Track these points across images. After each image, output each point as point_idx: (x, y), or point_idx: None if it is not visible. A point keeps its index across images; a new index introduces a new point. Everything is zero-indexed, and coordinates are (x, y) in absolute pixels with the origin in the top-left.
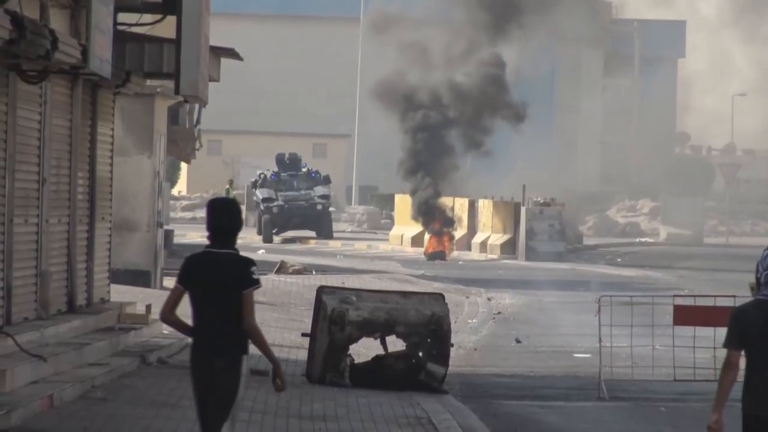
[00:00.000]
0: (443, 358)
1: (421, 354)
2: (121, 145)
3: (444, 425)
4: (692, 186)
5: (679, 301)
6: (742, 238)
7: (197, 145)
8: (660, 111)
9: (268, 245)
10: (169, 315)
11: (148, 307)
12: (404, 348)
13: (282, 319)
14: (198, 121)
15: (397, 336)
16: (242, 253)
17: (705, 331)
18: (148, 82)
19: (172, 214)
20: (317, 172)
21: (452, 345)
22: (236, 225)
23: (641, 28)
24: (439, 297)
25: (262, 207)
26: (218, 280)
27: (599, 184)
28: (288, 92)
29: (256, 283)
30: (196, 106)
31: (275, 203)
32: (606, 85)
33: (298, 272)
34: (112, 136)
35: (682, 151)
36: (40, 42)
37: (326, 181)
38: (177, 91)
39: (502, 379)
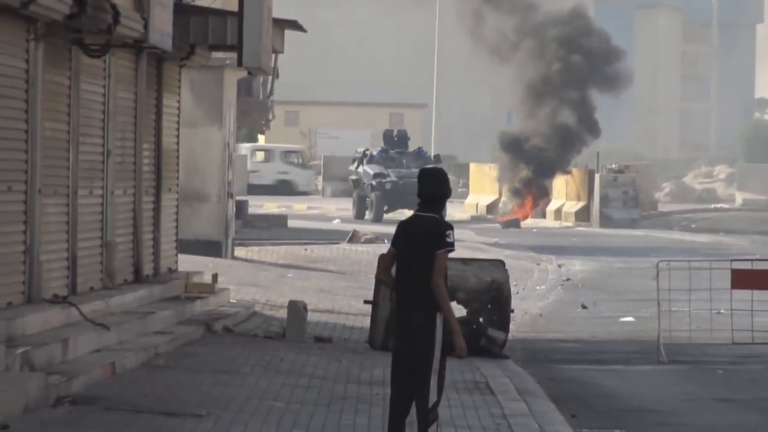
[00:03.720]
0: (503, 324)
1: (481, 320)
2: (191, 117)
3: (501, 389)
4: None
5: (737, 265)
6: None
7: (270, 116)
8: (739, 77)
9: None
10: (383, 274)
11: (215, 276)
12: (465, 314)
13: (350, 287)
14: (271, 93)
15: (458, 302)
16: (340, 222)
17: (763, 295)
18: (216, 54)
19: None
20: (425, 150)
21: (512, 311)
22: (442, 192)
23: None
24: (499, 263)
25: (373, 183)
26: (419, 240)
27: (678, 151)
28: (365, 63)
29: (450, 246)
30: (270, 77)
31: (388, 179)
32: (684, 51)
33: (370, 241)
34: (179, 108)
35: (761, 117)
36: (101, 16)
37: (437, 160)
38: (240, 63)
39: (564, 344)
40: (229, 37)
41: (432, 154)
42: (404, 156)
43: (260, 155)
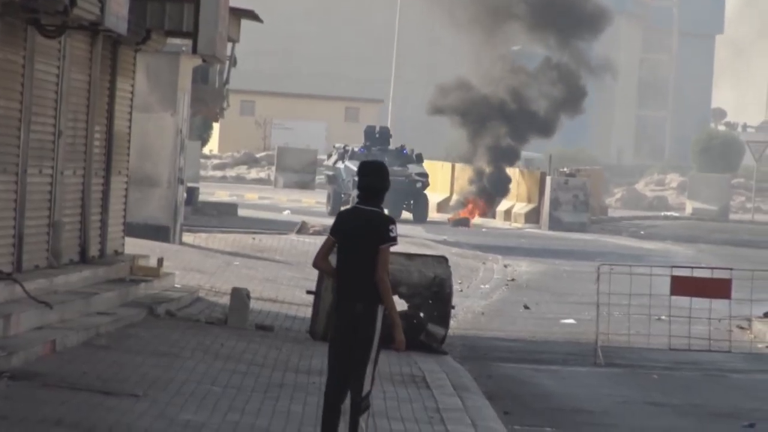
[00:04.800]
0: (444, 320)
1: (422, 315)
2: (145, 102)
3: (437, 383)
4: (721, 162)
5: (677, 272)
6: None
7: (225, 105)
8: (696, 87)
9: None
10: (320, 261)
11: (160, 261)
12: (406, 309)
13: (295, 278)
14: (227, 81)
15: (400, 296)
16: (290, 213)
17: (702, 302)
18: (173, 40)
19: (202, 173)
20: (407, 149)
21: (454, 307)
22: (383, 186)
23: (681, 2)
24: (443, 260)
25: (355, 179)
26: (361, 234)
27: (632, 157)
28: (323, 55)
29: (393, 240)
30: (227, 65)
31: None
32: (643, 58)
33: (318, 233)
34: (132, 92)
35: (716, 127)
36: None
37: (419, 159)
38: (194, 50)
39: (504, 343)
40: (185, 23)
41: (414, 153)
42: (386, 153)
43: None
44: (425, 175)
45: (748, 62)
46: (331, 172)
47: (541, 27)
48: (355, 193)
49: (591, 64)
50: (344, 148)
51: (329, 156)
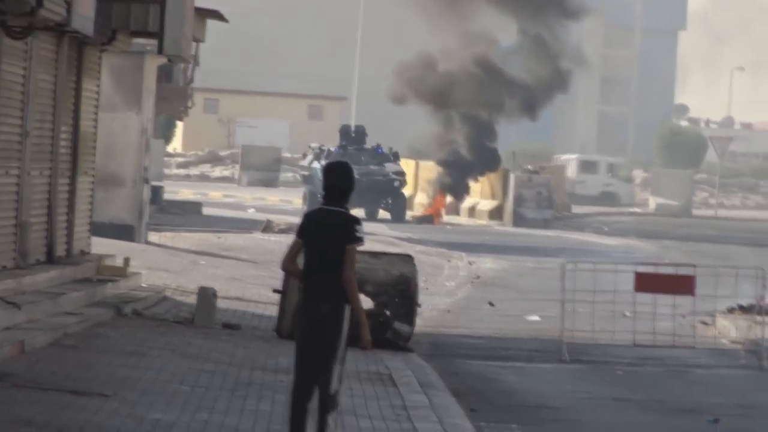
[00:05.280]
0: (410, 318)
1: (388, 313)
2: (110, 102)
3: (403, 381)
4: (684, 158)
5: (641, 269)
6: (731, 211)
7: (189, 104)
8: (659, 83)
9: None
10: (289, 264)
11: (127, 260)
12: (372, 307)
13: (261, 276)
14: (191, 80)
15: (366, 295)
16: (255, 211)
17: (666, 299)
18: (137, 40)
19: (166, 171)
20: (382, 148)
21: (419, 305)
22: (348, 186)
23: None
24: (408, 258)
25: None
26: (327, 234)
27: (595, 153)
28: (287, 54)
29: (359, 240)
30: (191, 64)
31: None
32: (606, 54)
33: (283, 231)
34: (98, 92)
35: (678, 123)
36: None
37: (395, 157)
38: (160, 50)
39: (469, 340)
40: (150, 24)
41: (391, 152)
42: (362, 152)
43: (584, 166)
44: (402, 174)
45: (712, 58)
46: (306, 172)
47: (514, 9)
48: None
49: (568, 48)
50: (320, 147)
51: (304, 156)
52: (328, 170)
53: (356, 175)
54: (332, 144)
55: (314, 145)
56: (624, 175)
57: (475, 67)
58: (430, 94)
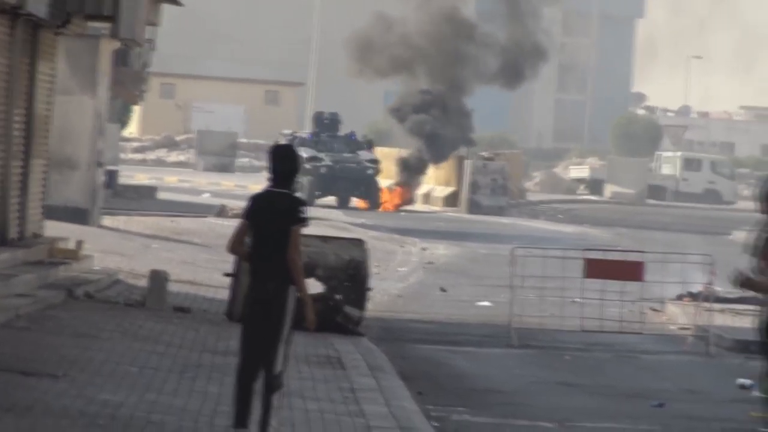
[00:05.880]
0: (360, 302)
1: (338, 297)
2: (65, 85)
3: (352, 364)
4: (640, 146)
5: (590, 255)
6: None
7: (145, 88)
8: (616, 71)
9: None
10: (235, 246)
11: (79, 243)
12: (323, 291)
13: (213, 260)
14: (147, 64)
15: (317, 279)
16: (210, 196)
17: (614, 285)
18: (93, 24)
19: (122, 156)
20: (356, 135)
21: (370, 289)
22: (294, 168)
23: None
24: (359, 242)
25: (306, 166)
26: (273, 216)
27: (552, 141)
28: (243, 38)
29: (304, 222)
30: (147, 49)
31: (323, 163)
32: (564, 42)
33: (237, 216)
34: (53, 76)
35: (635, 112)
36: None
37: (369, 145)
38: (114, 34)
39: (420, 325)
40: (105, 7)
41: (364, 139)
42: (336, 140)
43: (688, 164)
44: (376, 161)
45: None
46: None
47: None
48: (305, 179)
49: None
50: (293, 134)
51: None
52: (273, 153)
53: (329, 163)
54: (306, 131)
55: (287, 132)
56: (727, 173)
57: (443, 25)
58: (391, 62)
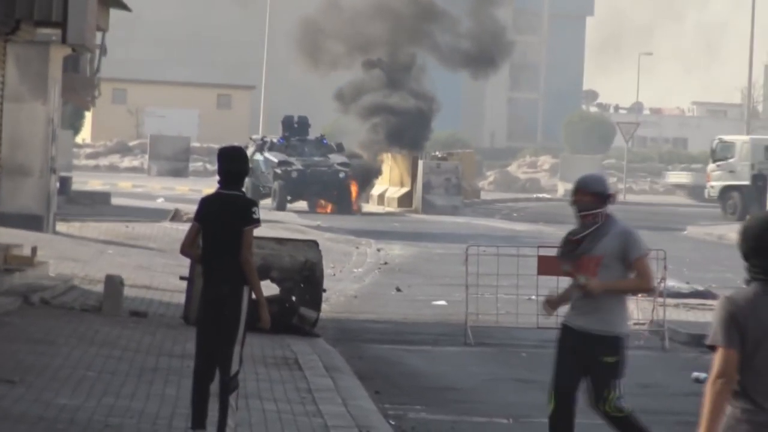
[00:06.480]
0: (316, 303)
1: (294, 298)
2: (15, 92)
3: (309, 365)
4: (593, 143)
5: (543, 252)
6: (640, 196)
7: (96, 93)
8: (567, 68)
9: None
10: (187, 248)
11: (34, 250)
12: (278, 293)
13: (169, 265)
14: (98, 70)
15: (272, 281)
16: (164, 201)
17: (568, 281)
18: (42, 30)
19: (75, 162)
20: (326, 138)
21: (325, 290)
22: (243, 169)
23: None
24: (313, 244)
25: (277, 171)
26: (224, 217)
27: (505, 140)
28: (194, 42)
29: (256, 222)
30: (97, 54)
31: (294, 167)
32: (515, 41)
33: (191, 220)
34: (2, 83)
35: (586, 109)
36: None
37: (340, 149)
38: (64, 40)
39: (376, 325)
40: (54, 13)
41: (335, 143)
42: (306, 144)
43: None
44: (347, 165)
45: (621, 43)
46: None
47: None
48: (276, 184)
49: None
50: (262, 139)
51: (246, 148)
52: (222, 155)
53: (300, 167)
54: (275, 136)
55: (256, 136)
56: None
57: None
58: (345, 46)
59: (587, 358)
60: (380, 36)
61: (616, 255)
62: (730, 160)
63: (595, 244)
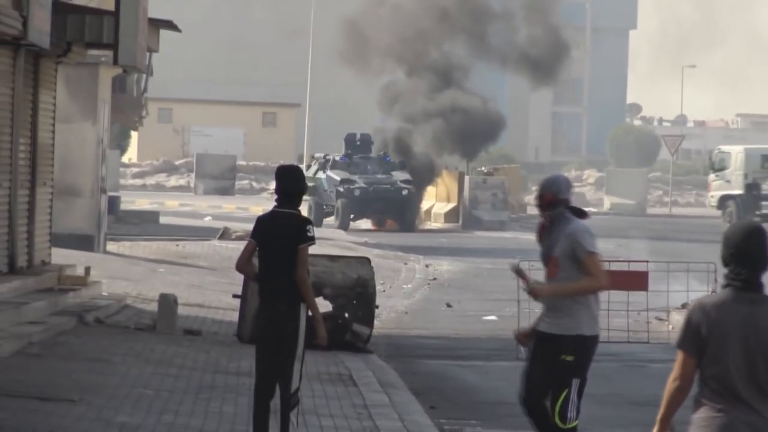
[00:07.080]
0: (368, 319)
1: (347, 315)
2: (65, 113)
3: (364, 381)
4: (638, 157)
5: None
6: (686, 209)
7: (143, 113)
8: (611, 82)
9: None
10: (244, 265)
11: (87, 269)
12: (331, 309)
13: (220, 283)
14: (145, 90)
15: (324, 298)
16: (211, 219)
17: (621, 296)
18: (91, 52)
19: (122, 181)
20: (389, 156)
21: (377, 307)
22: (300, 188)
23: None
24: (365, 260)
25: (340, 189)
26: (280, 235)
27: (550, 154)
28: (239, 61)
29: (311, 240)
30: (144, 74)
31: (357, 185)
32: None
33: (240, 238)
34: (54, 104)
35: (631, 122)
36: None
37: (402, 166)
38: (115, 61)
39: (428, 341)
40: (105, 35)
41: (398, 160)
42: (368, 161)
43: None
44: (410, 182)
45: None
46: (311, 183)
47: None
48: (339, 203)
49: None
50: (325, 157)
51: (308, 167)
52: (279, 174)
53: (363, 185)
54: (338, 154)
55: (318, 155)
56: None
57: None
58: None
59: (552, 360)
60: (432, 39)
61: (567, 255)
62: (726, 170)
63: (554, 245)
